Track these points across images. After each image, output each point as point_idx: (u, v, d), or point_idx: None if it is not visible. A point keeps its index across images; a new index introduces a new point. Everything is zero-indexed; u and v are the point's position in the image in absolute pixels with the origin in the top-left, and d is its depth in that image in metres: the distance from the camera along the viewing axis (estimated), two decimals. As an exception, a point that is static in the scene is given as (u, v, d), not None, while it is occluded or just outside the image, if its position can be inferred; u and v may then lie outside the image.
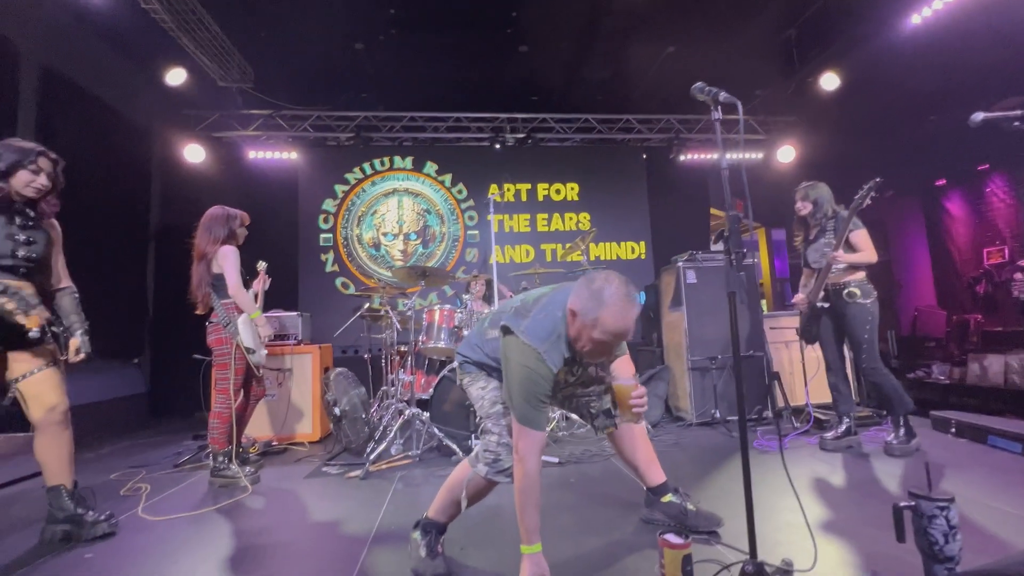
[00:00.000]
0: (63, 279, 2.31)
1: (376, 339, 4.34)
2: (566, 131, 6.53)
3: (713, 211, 7.28)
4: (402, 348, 4.05)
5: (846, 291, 3.00)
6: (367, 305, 4.16)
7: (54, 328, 2.16)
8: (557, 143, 6.74)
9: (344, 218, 6.36)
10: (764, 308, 5.54)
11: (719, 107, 1.51)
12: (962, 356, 5.40)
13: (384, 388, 4.03)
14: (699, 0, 4.75)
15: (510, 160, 6.52)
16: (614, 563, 1.75)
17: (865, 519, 2.01)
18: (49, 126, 3.96)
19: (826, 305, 3.10)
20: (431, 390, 3.41)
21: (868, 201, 2.84)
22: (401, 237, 6.42)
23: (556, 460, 3.04)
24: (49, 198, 2.19)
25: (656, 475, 2.05)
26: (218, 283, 2.91)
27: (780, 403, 3.98)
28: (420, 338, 3.64)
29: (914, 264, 6.74)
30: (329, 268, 6.26)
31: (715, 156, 6.76)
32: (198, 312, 2.99)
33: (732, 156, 6.78)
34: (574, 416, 3.82)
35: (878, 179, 2.80)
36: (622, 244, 6.68)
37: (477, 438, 3.26)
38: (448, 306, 3.75)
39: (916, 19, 4.43)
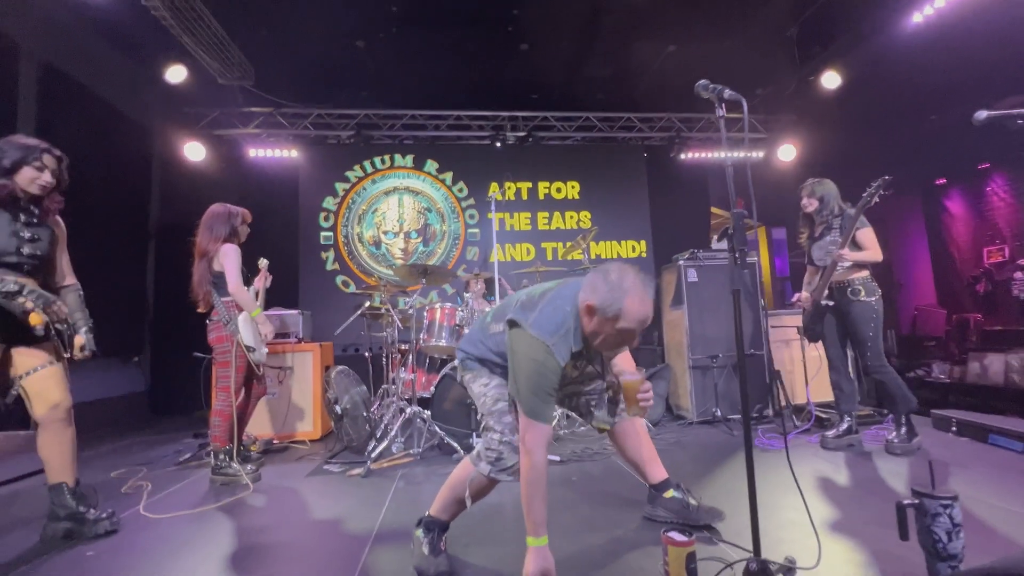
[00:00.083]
0: (67, 276, 2.31)
1: (376, 337, 4.33)
2: (567, 129, 6.52)
3: (714, 210, 7.28)
4: (403, 346, 4.05)
5: (850, 289, 3.00)
6: (368, 303, 4.16)
7: (58, 325, 2.15)
8: (558, 141, 6.73)
9: (345, 216, 6.36)
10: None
11: (723, 104, 1.51)
12: (962, 355, 5.41)
13: (385, 386, 4.03)
14: (700, -2, 4.75)
15: (511, 158, 6.51)
16: (617, 561, 1.75)
17: (867, 517, 2.01)
18: (49, 123, 3.95)
19: (831, 303, 3.09)
20: (432, 388, 3.41)
21: (877, 199, 2.82)
22: (402, 235, 6.42)
23: (558, 458, 3.04)
24: (53, 195, 2.19)
25: (658, 472, 2.05)
26: (219, 281, 2.91)
27: (781, 402, 3.98)
28: (421, 336, 3.63)
29: (914, 263, 6.75)
30: (330, 266, 6.25)
31: (716, 155, 6.77)
32: (199, 310, 2.98)
33: (735, 154, 6.78)
34: (575, 414, 3.82)
35: (887, 176, 2.78)
36: (623, 243, 6.68)
37: (478, 436, 3.26)
38: (449, 304, 3.75)
39: (918, 17, 4.43)
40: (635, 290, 1.50)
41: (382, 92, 6.05)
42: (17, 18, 3.84)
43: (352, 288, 6.12)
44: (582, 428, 3.80)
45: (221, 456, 2.86)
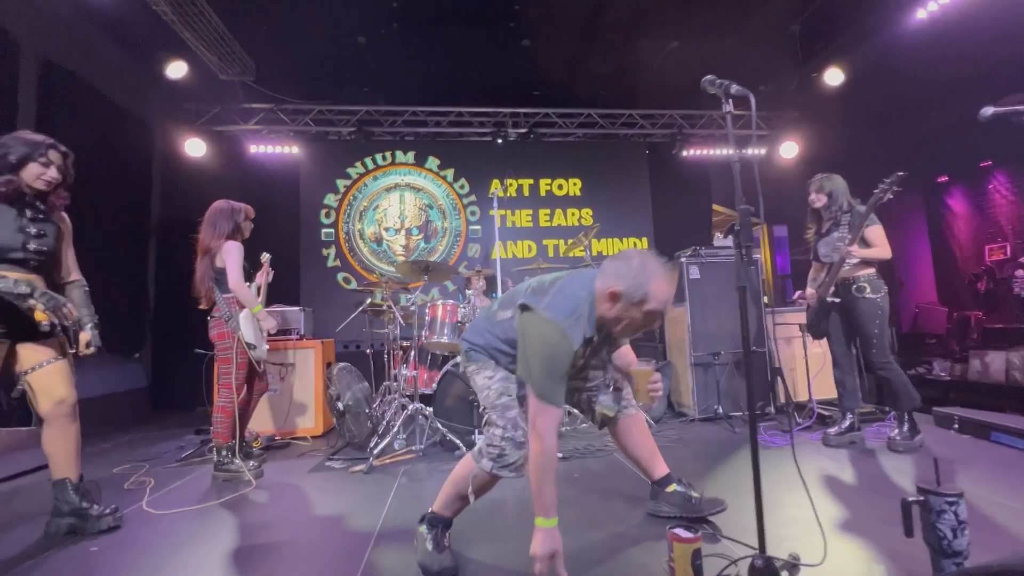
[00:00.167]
0: (73, 272, 2.31)
1: (378, 334, 4.33)
2: (568, 126, 6.51)
3: (715, 207, 7.27)
4: (404, 343, 4.05)
5: (855, 286, 2.98)
6: (369, 300, 4.15)
7: (64, 322, 2.15)
8: (559, 138, 6.71)
9: (346, 213, 6.35)
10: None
11: (730, 100, 1.50)
12: (963, 353, 5.41)
13: (387, 383, 4.03)
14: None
15: (512, 155, 6.49)
16: (621, 558, 1.75)
17: (871, 514, 2.01)
18: (49, 120, 3.94)
19: (837, 300, 3.07)
20: (434, 385, 3.41)
21: (890, 195, 2.79)
22: (403, 232, 6.41)
23: (560, 455, 3.04)
24: (59, 191, 2.18)
25: (660, 467, 2.06)
26: (221, 278, 2.90)
27: (782, 399, 3.98)
28: (423, 333, 3.63)
29: (915, 261, 6.74)
30: (331, 263, 6.24)
31: (718, 152, 6.75)
32: (201, 307, 2.98)
33: (737, 151, 6.78)
34: (576, 411, 3.82)
35: (901, 172, 2.74)
36: (624, 240, 6.67)
37: (480, 432, 3.26)
38: (451, 301, 3.74)
39: (922, 14, 4.41)
40: (659, 273, 1.54)
41: (383, 88, 6.04)
42: (17, 14, 3.83)
43: (353, 285, 6.12)
44: (583, 425, 3.80)
45: (223, 452, 2.86)
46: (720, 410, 3.88)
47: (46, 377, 2.08)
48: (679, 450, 3.15)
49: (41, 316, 2.01)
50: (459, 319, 3.66)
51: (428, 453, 3.23)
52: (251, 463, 2.93)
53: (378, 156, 6.46)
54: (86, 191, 2.34)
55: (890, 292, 3.04)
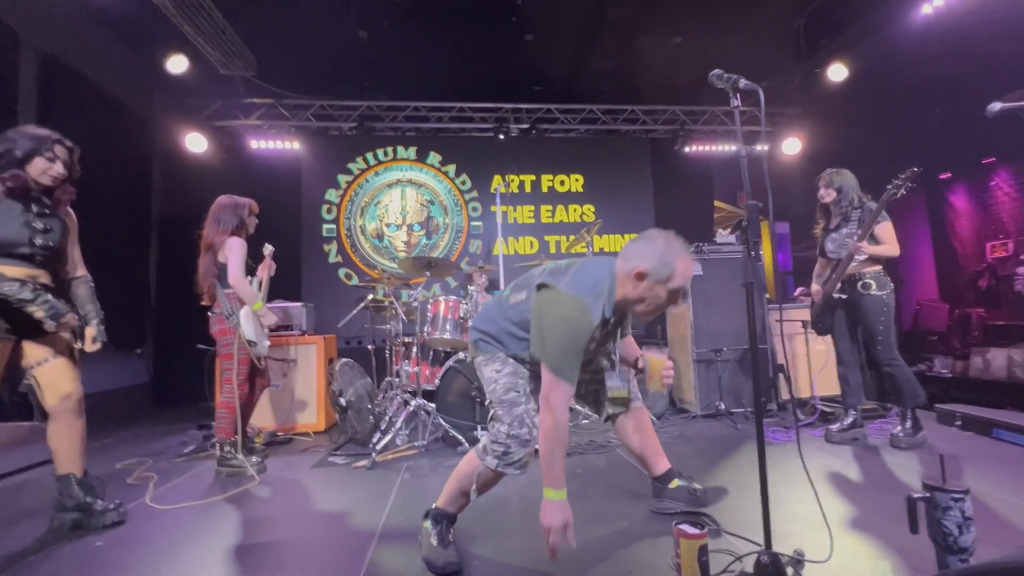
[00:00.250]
0: (79, 268, 2.31)
1: (380, 330, 4.33)
2: (570, 122, 6.49)
3: (717, 204, 7.26)
4: (406, 339, 4.05)
5: (861, 282, 2.96)
6: (371, 296, 4.15)
7: (63, 331, 2.15)
8: (561, 134, 6.70)
9: (347, 208, 6.34)
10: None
11: (738, 95, 1.49)
12: (964, 350, 5.41)
13: (389, 379, 4.03)
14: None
15: (514, 151, 6.48)
16: (626, 554, 1.75)
17: (874, 511, 2.01)
18: (49, 114, 3.93)
19: (843, 296, 3.05)
20: (436, 381, 3.41)
21: (903, 191, 2.77)
22: (404, 228, 6.40)
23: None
24: (65, 186, 2.18)
25: (662, 463, 2.07)
26: (223, 274, 2.89)
27: (784, 396, 3.98)
28: (425, 329, 3.63)
29: (917, 258, 6.73)
30: (332, 259, 6.24)
31: (720, 148, 6.73)
32: (203, 303, 2.97)
33: (745, 147, 6.75)
34: (578, 407, 3.82)
35: (916, 168, 2.72)
36: (627, 236, 6.66)
37: (483, 429, 3.26)
38: (453, 297, 3.74)
39: (927, 9, 4.38)
40: (683, 252, 1.59)
41: (384, 83, 6.01)
42: (17, 8, 3.81)
43: (355, 281, 6.11)
44: (585, 421, 3.80)
45: (227, 448, 2.86)
46: (722, 406, 3.88)
47: (52, 372, 2.08)
48: (681, 446, 3.16)
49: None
50: (461, 315, 3.65)
51: (431, 449, 3.23)
52: (254, 459, 2.93)
53: (379, 152, 6.44)
54: (86, 186, 2.34)
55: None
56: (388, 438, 3.19)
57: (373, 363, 4.30)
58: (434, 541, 1.69)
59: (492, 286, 4.55)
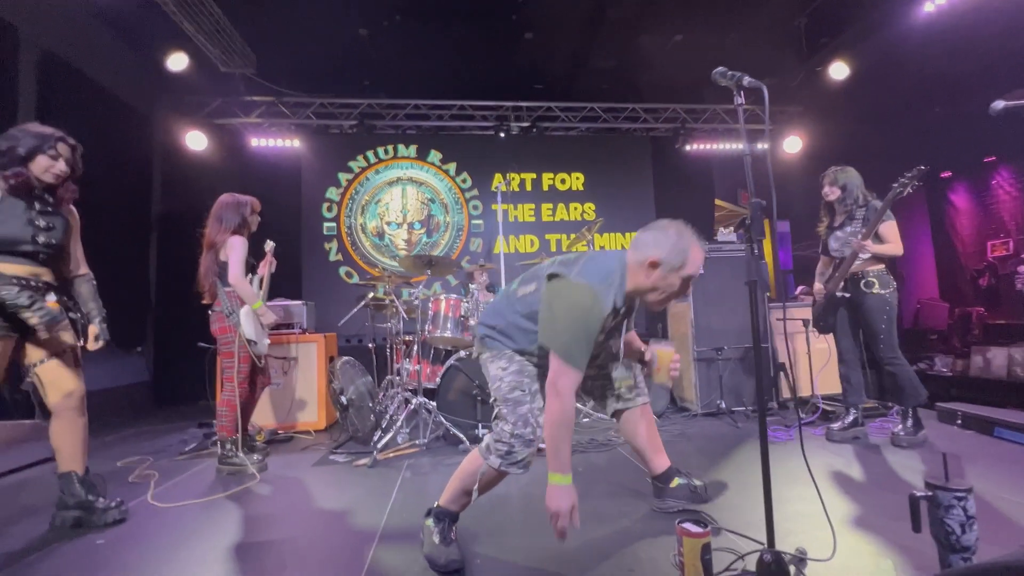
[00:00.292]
0: (81, 266, 2.31)
1: (380, 328, 4.32)
2: (571, 120, 6.48)
3: (718, 202, 7.25)
4: (407, 337, 4.05)
5: (864, 281, 2.96)
6: (371, 294, 4.15)
7: (72, 315, 2.16)
8: (562, 132, 6.69)
9: (348, 207, 6.33)
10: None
11: (742, 92, 1.48)
12: (964, 349, 5.41)
13: (389, 377, 4.03)
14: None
15: (515, 149, 6.47)
16: (627, 552, 1.75)
17: (876, 509, 2.01)
18: (49, 111, 3.92)
19: (846, 295, 3.04)
20: (437, 379, 3.41)
21: (910, 190, 2.76)
22: (405, 226, 6.39)
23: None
24: (67, 184, 2.17)
25: (663, 461, 2.07)
26: (224, 272, 2.88)
27: (785, 394, 3.98)
28: (426, 327, 3.63)
29: (917, 257, 6.73)
30: (333, 257, 6.23)
31: (721, 146, 6.73)
32: (204, 302, 2.97)
33: (749, 144, 6.73)
34: (579, 405, 3.82)
35: (923, 167, 2.71)
36: (627, 235, 6.66)
37: (484, 427, 3.26)
38: (454, 296, 3.74)
39: (929, 7, 4.37)
40: (695, 240, 1.63)
41: (385, 81, 6.00)
42: (17, 5, 3.80)
43: (355, 279, 6.11)
44: (585, 420, 3.80)
45: (228, 446, 2.86)
46: (723, 405, 3.88)
47: (55, 370, 2.08)
48: (682, 444, 3.16)
49: (51, 308, 2.02)
50: (462, 313, 3.66)
51: (432, 447, 3.23)
52: (255, 457, 2.93)
53: (380, 150, 6.44)
54: (86, 184, 2.34)
55: (891, 286, 3.01)
56: (389, 436, 3.20)
57: (374, 361, 4.30)
58: (436, 539, 1.69)
59: (493, 284, 4.54)
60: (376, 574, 1.67)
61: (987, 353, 5.03)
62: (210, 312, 2.95)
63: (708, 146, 6.72)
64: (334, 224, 6.28)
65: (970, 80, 4.68)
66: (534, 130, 6.40)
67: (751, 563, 1.48)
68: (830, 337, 3.25)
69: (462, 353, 3.45)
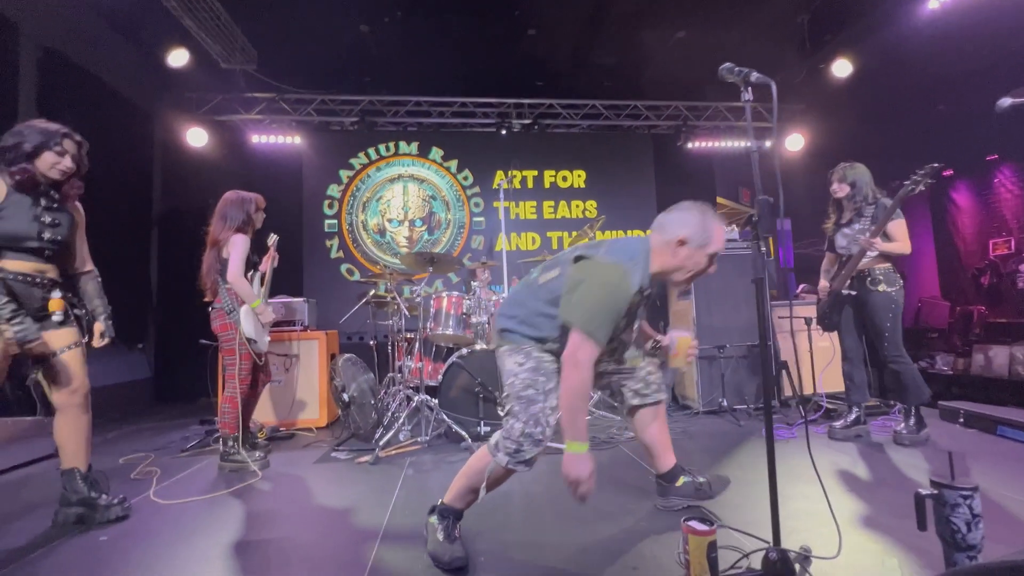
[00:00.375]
0: (87, 263, 2.30)
1: (381, 325, 4.32)
2: (573, 117, 6.46)
3: (719, 200, 7.23)
4: (408, 335, 4.04)
5: (870, 278, 2.94)
6: (372, 292, 4.14)
7: (76, 311, 2.16)
8: (564, 129, 6.67)
9: (349, 204, 6.32)
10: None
11: (749, 88, 1.47)
12: (965, 347, 5.41)
13: (391, 374, 4.03)
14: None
15: (516, 146, 6.45)
16: (632, 550, 1.75)
17: (880, 507, 2.01)
18: (50, 108, 3.90)
19: (852, 293, 3.03)
20: (439, 377, 3.41)
21: (922, 188, 2.74)
22: (406, 224, 6.38)
23: (564, 446, 3.03)
24: (73, 180, 2.17)
25: (670, 459, 2.07)
26: (226, 269, 2.88)
27: (787, 392, 3.98)
28: (428, 325, 3.62)
29: (918, 255, 6.71)
30: (334, 254, 6.22)
31: (723, 144, 6.71)
32: (207, 299, 2.96)
33: (756, 142, 6.71)
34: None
35: (936, 164, 2.69)
36: (629, 232, 6.65)
37: (486, 424, 3.26)
38: (456, 293, 3.73)
39: (933, 3, 4.35)
40: (716, 219, 1.69)
41: (386, 78, 5.98)
42: (17, 1, 3.78)
43: (357, 276, 6.10)
44: (587, 418, 3.80)
45: (230, 443, 2.86)
46: (725, 403, 3.88)
47: (59, 366, 2.07)
48: (684, 442, 3.15)
49: (55, 306, 2.03)
50: (464, 311, 3.65)
51: (433, 444, 3.23)
52: (257, 454, 2.93)
53: (381, 147, 6.42)
54: (87, 180, 2.34)
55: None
56: (391, 433, 3.19)
57: (375, 358, 4.30)
58: (440, 536, 1.68)
59: (495, 282, 4.53)
60: (380, 572, 1.66)
61: (989, 352, 5.02)
62: (211, 309, 2.94)
63: (710, 144, 6.71)
64: (335, 221, 6.27)
65: (973, 78, 4.66)
66: (535, 127, 6.38)
67: (756, 561, 1.48)
68: (833, 335, 3.24)
69: (464, 350, 3.44)
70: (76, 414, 2.11)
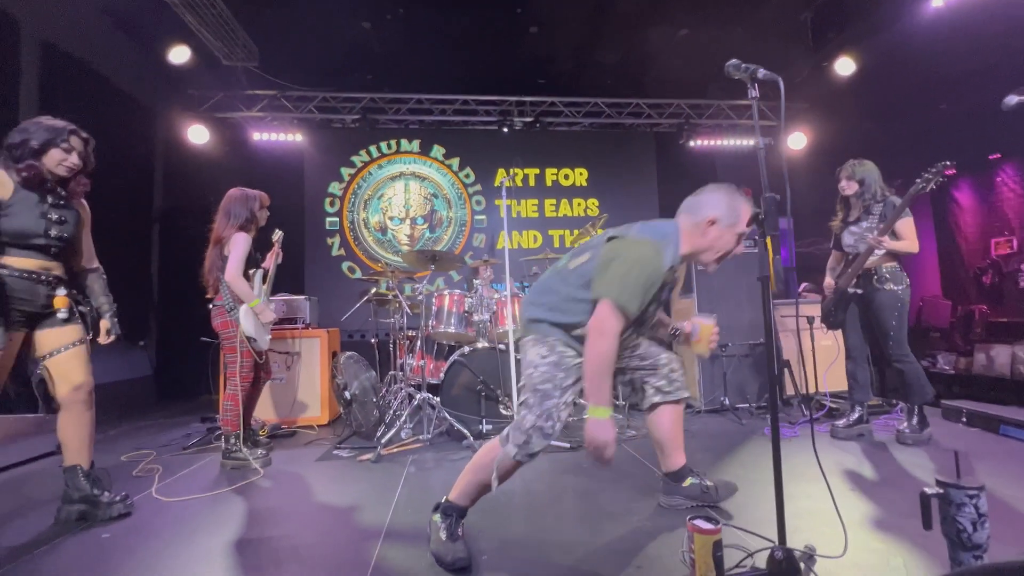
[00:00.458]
0: (92, 259, 2.31)
1: (383, 323, 4.31)
2: (575, 115, 6.44)
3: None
4: (410, 333, 4.03)
5: (876, 276, 2.92)
6: (374, 290, 4.13)
7: (81, 308, 2.16)
8: (566, 127, 6.65)
9: (350, 202, 6.31)
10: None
11: (756, 85, 1.46)
12: (966, 347, 5.40)
13: (392, 372, 4.02)
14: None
15: (518, 144, 6.44)
16: (636, 548, 1.74)
17: (884, 506, 2.00)
18: (51, 104, 3.88)
19: (858, 291, 3.01)
20: (441, 375, 3.40)
21: (933, 186, 2.73)
22: (408, 221, 6.38)
23: (567, 445, 3.03)
24: (79, 177, 2.17)
25: (680, 459, 2.07)
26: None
27: (789, 391, 3.97)
28: (430, 323, 3.62)
29: (920, 254, 6.68)
30: (335, 252, 6.22)
31: (725, 142, 6.69)
32: (208, 296, 2.95)
33: (751, 141, 6.70)
34: (583, 400, 3.82)
35: (948, 162, 2.68)
36: (629, 231, 6.63)
37: (488, 423, 3.26)
38: (458, 291, 3.73)
39: (937, 1, 4.33)
40: (744, 199, 1.71)
41: (388, 76, 5.97)
42: (19, -5, 3.77)
43: (358, 274, 6.10)
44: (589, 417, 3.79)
45: (232, 440, 2.85)
46: (726, 402, 3.88)
47: (65, 362, 2.08)
48: (686, 442, 3.08)
49: (60, 303, 2.03)
50: (466, 309, 3.65)
51: (435, 442, 3.22)
52: (259, 451, 2.93)
53: (383, 144, 6.41)
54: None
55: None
56: (393, 431, 3.19)
57: (376, 356, 4.29)
58: (443, 535, 1.68)
59: (497, 280, 4.52)
60: (383, 570, 1.66)
61: (991, 351, 5.02)
62: (211, 306, 2.93)
63: (712, 142, 6.69)
64: (337, 219, 6.27)
65: (975, 77, 4.64)
66: (537, 125, 6.37)
67: (760, 560, 1.48)
68: (836, 334, 3.23)
69: (466, 348, 3.44)
70: (80, 411, 2.11)
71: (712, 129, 6.72)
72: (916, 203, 2.90)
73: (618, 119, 6.51)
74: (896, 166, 2.77)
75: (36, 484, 2.71)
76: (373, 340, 4.43)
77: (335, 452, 3.13)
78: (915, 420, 2.89)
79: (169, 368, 5.39)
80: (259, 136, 6.04)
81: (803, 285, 5.38)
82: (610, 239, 1.71)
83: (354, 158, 6.36)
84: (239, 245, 2.83)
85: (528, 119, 6.34)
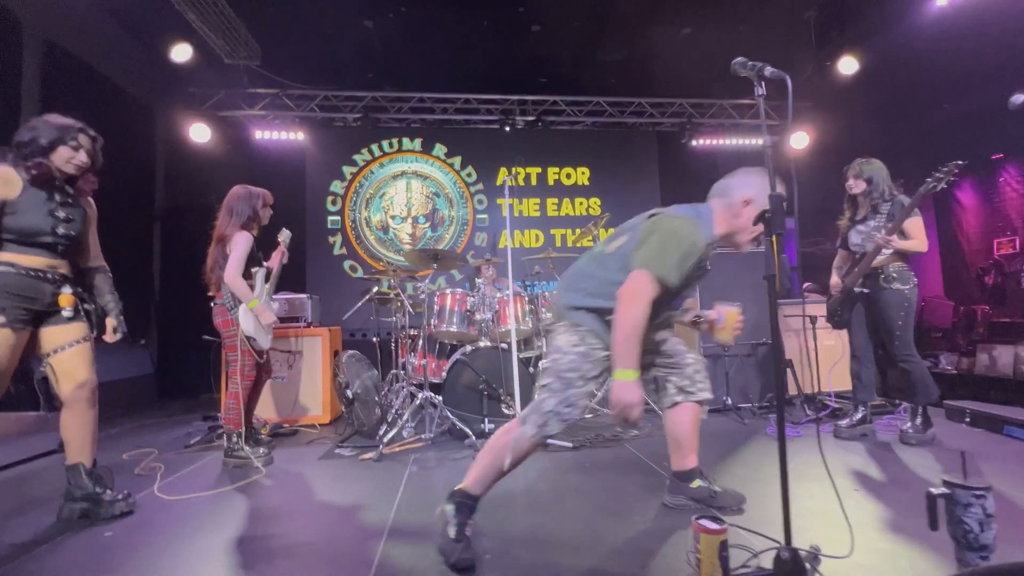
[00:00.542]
0: (98, 258, 2.31)
1: (385, 322, 4.31)
2: (577, 114, 6.43)
3: (723, 198, 7.20)
4: (412, 332, 4.03)
5: (883, 276, 2.91)
6: (376, 288, 4.12)
7: (86, 306, 2.16)
8: (568, 126, 6.64)
9: (352, 200, 6.30)
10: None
11: (763, 83, 1.45)
12: (968, 347, 5.39)
13: (394, 371, 4.02)
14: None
15: (520, 143, 6.43)
16: (639, 548, 1.74)
17: (888, 506, 2.00)
18: (53, 103, 3.88)
19: (865, 291, 3.00)
20: (443, 374, 3.40)
21: (943, 185, 2.72)
22: (410, 220, 6.37)
23: (570, 444, 3.03)
24: (87, 176, 2.17)
25: (692, 459, 2.06)
26: None
27: (792, 391, 3.96)
28: (432, 322, 3.61)
29: (922, 254, 6.69)
30: (337, 251, 6.21)
31: (727, 142, 6.68)
32: (210, 294, 2.95)
33: (760, 140, 6.68)
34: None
35: (960, 161, 2.67)
36: (631, 230, 6.62)
37: (491, 421, 3.25)
38: (459, 290, 3.72)
39: (941, 1, 4.32)
40: (776, 181, 1.72)
41: (390, 74, 5.96)
42: (21, -7, 3.76)
43: (360, 273, 6.09)
44: (589, 416, 3.79)
45: (234, 439, 2.85)
46: (729, 402, 3.87)
47: (69, 360, 2.08)
48: (689, 441, 3.14)
49: (65, 302, 2.04)
50: (468, 308, 3.64)
51: (437, 441, 3.22)
52: (261, 450, 2.92)
53: (384, 143, 6.40)
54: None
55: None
56: (395, 430, 3.19)
57: (378, 355, 4.29)
58: (452, 532, 1.65)
59: (498, 279, 4.52)
60: (387, 569, 1.66)
61: (993, 351, 5.01)
62: (213, 305, 2.93)
63: (714, 141, 6.68)
64: (338, 218, 6.26)
65: (978, 77, 4.63)
66: (539, 124, 6.36)
67: (765, 560, 1.47)
68: (840, 334, 3.22)
69: (468, 347, 3.43)
70: (83, 409, 2.11)
71: (715, 128, 6.71)
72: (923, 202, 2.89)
73: (620, 118, 6.50)
74: (898, 165, 2.75)
75: (38, 482, 2.71)
76: (375, 339, 4.42)
77: (337, 451, 3.13)
78: (919, 420, 2.88)
79: (171, 366, 5.39)
80: (261, 134, 6.03)
81: (806, 284, 5.37)
82: (650, 216, 1.75)
83: (356, 157, 6.36)
84: (240, 245, 2.82)
85: (530, 118, 6.33)
